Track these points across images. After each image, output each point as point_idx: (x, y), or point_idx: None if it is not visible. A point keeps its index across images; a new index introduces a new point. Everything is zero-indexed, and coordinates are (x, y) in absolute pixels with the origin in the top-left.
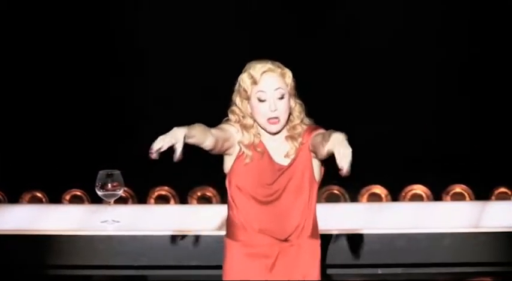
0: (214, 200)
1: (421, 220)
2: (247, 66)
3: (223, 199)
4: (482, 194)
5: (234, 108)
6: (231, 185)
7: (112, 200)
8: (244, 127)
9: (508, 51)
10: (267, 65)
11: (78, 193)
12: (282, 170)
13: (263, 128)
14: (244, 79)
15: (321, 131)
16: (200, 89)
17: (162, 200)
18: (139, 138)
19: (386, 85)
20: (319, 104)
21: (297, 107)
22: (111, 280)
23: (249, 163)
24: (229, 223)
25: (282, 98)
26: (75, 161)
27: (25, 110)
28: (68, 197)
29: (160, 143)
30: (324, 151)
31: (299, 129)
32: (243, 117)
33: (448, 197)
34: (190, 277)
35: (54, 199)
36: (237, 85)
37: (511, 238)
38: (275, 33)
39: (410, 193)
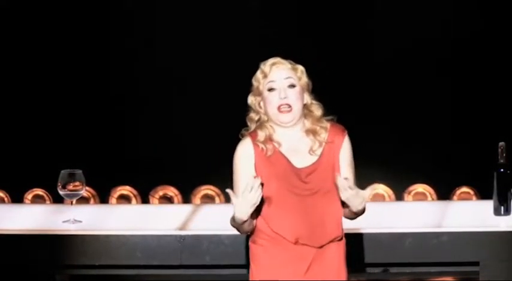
0: (175, 199)
1: (383, 219)
2: (260, 64)
3: (184, 198)
4: (444, 193)
5: (250, 114)
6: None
7: (74, 200)
8: (261, 125)
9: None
10: (277, 58)
11: (40, 193)
12: (309, 169)
13: (276, 121)
14: (256, 76)
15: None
16: (173, 86)
17: (124, 199)
18: (101, 138)
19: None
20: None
21: (315, 105)
22: (72, 279)
23: (272, 155)
24: (258, 230)
25: (292, 86)
26: (37, 161)
27: None
28: (30, 196)
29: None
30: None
31: (323, 123)
32: (258, 118)
33: (410, 197)
34: (152, 276)
35: (16, 198)
36: (252, 87)
37: (473, 237)
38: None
39: (372, 193)
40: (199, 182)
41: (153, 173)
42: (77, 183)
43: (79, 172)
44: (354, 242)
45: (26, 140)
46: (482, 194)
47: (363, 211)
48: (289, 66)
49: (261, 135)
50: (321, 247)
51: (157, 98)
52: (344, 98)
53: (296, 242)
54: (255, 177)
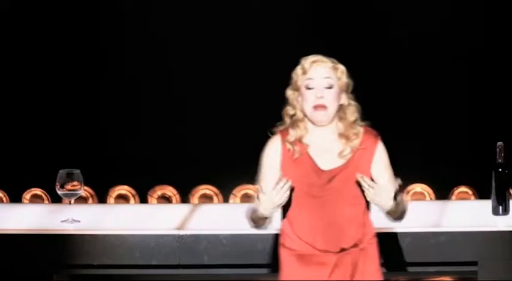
0: (174, 199)
1: (381, 219)
2: (302, 59)
3: (183, 198)
4: (442, 193)
5: (287, 108)
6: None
7: (72, 199)
8: (294, 122)
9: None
10: (319, 56)
11: (38, 192)
12: (335, 172)
13: (310, 119)
14: (296, 71)
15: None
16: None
17: (122, 199)
18: (100, 138)
19: None
20: None
21: (351, 107)
22: (71, 279)
23: (299, 157)
24: (283, 232)
25: (330, 87)
26: (35, 160)
27: None
28: (28, 196)
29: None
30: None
31: (355, 129)
32: (294, 113)
33: (408, 197)
34: (150, 276)
35: (15, 198)
36: (291, 80)
37: (471, 237)
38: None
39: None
40: (198, 182)
41: (151, 173)
42: (75, 183)
43: (77, 171)
44: None
45: (24, 140)
46: (481, 194)
47: (400, 212)
48: (330, 65)
49: (292, 135)
50: (342, 251)
51: (156, 98)
52: None
53: (315, 246)
54: (286, 179)
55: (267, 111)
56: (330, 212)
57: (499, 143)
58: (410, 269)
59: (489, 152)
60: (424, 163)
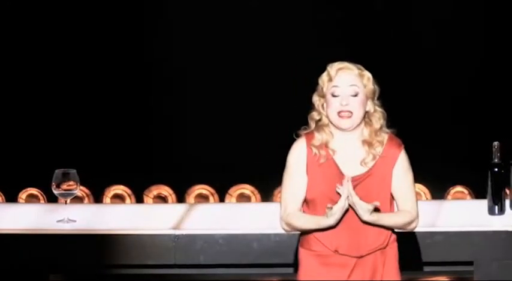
0: (169, 199)
1: None
2: (328, 66)
3: (178, 197)
4: (438, 193)
5: (313, 113)
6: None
7: (68, 199)
8: (319, 127)
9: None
10: (345, 63)
11: (34, 192)
12: (357, 180)
13: (335, 125)
14: (322, 77)
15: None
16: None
17: (118, 198)
18: (95, 137)
19: None
20: None
21: (377, 114)
22: (66, 279)
23: (324, 162)
24: (303, 233)
25: (355, 95)
26: (31, 160)
27: None
28: (24, 196)
29: None
30: None
31: (380, 137)
32: (319, 118)
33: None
34: (146, 276)
35: (11, 198)
36: (317, 86)
37: (467, 237)
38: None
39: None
40: (194, 182)
41: (147, 173)
42: (71, 182)
43: (73, 171)
44: None
45: (20, 140)
46: (477, 193)
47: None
48: (356, 72)
49: (318, 138)
50: (362, 257)
51: (151, 97)
52: None
53: (335, 251)
54: (328, 207)
55: (265, 111)
56: (352, 219)
57: (495, 142)
58: (406, 269)
59: (485, 152)
60: (419, 162)
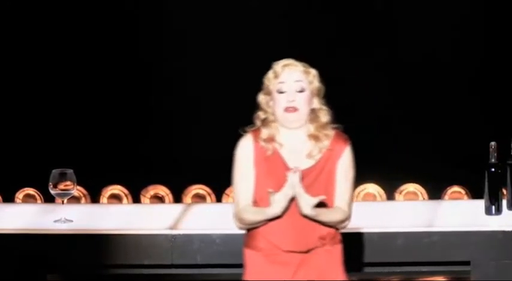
0: (166, 199)
1: (374, 219)
2: (273, 64)
3: (175, 197)
4: (435, 193)
5: (258, 112)
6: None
7: (65, 199)
8: (266, 123)
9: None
10: (290, 60)
11: (31, 192)
12: (304, 173)
13: (282, 122)
14: (268, 75)
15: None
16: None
17: (115, 198)
18: (92, 137)
19: None
20: None
21: (323, 111)
22: (63, 279)
23: (271, 155)
24: (247, 232)
25: (301, 91)
26: (28, 160)
27: None
28: (21, 196)
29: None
30: None
31: (327, 131)
32: (265, 117)
33: (401, 196)
34: (143, 276)
35: (8, 197)
36: (263, 85)
37: (464, 237)
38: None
39: (363, 192)
40: (191, 182)
41: (144, 173)
42: (68, 182)
43: (70, 171)
44: (345, 242)
45: (17, 140)
46: (474, 193)
47: (326, 221)
48: (302, 69)
49: (265, 133)
50: (308, 251)
51: (148, 97)
52: (337, 96)
53: (280, 247)
54: (270, 192)
55: None
56: (296, 212)
57: (492, 143)
58: (403, 269)
59: (482, 152)
60: (416, 162)
